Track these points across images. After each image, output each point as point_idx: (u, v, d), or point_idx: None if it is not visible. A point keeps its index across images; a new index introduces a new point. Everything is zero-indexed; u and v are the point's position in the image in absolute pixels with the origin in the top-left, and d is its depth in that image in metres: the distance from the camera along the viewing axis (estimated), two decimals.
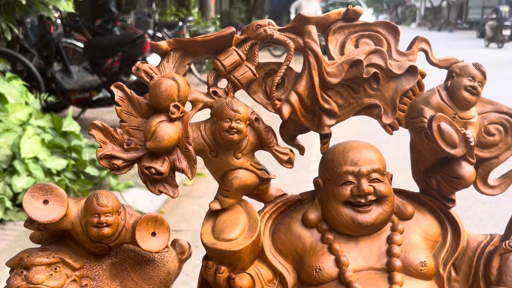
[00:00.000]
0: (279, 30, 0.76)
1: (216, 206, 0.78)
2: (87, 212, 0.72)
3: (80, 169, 4.00)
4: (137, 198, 3.48)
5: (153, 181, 0.75)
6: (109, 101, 6.19)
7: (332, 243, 0.78)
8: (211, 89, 0.76)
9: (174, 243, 0.90)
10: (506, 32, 13.78)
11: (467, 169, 0.77)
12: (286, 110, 0.74)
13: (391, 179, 0.82)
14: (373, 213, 0.77)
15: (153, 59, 5.70)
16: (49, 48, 6.13)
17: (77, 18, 8.84)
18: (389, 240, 0.78)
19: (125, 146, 0.74)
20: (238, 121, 0.72)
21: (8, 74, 4.46)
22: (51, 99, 5.10)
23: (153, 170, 0.73)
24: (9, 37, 4.75)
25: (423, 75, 0.80)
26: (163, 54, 0.75)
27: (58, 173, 3.91)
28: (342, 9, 0.77)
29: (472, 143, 0.75)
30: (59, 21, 6.18)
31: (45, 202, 0.71)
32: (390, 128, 0.81)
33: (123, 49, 5.93)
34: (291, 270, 0.80)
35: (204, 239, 0.75)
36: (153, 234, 0.76)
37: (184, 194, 3.65)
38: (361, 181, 0.76)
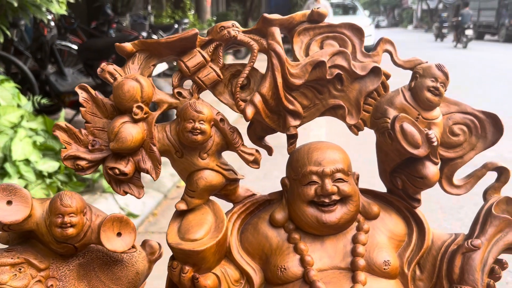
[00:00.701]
0: (243, 32, 0.77)
1: (182, 206, 0.78)
2: (51, 212, 0.73)
3: (72, 172, 3.99)
4: (130, 201, 3.48)
5: (118, 181, 0.76)
6: None
7: (297, 243, 0.79)
8: (175, 90, 0.77)
9: (144, 243, 0.91)
10: (469, 32, 15.69)
11: (431, 169, 0.78)
12: (249, 111, 0.75)
13: (357, 179, 0.83)
14: (337, 212, 0.77)
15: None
16: (43, 50, 6.12)
17: (72, 21, 8.83)
18: (354, 240, 0.79)
19: (89, 147, 0.74)
20: (202, 121, 0.72)
21: (1, 76, 4.46)
22: (44, 101, 5.09)
23: (117, 171, 0.73)
24: (1, 39, 4.74)
25: (387, 76, 0.81)
26: (128, 56, 0.76)
27: (50, 175, 3.90)
28: (307, 11, 0.78)
29: (435, 143, 0.76)
30: (53, 23, 6.18)
31: (9, 203, 0.71)
32: (355, 129, 0.82)
33: (117, 51, 5.95)
34: (258, 270, 0.81)
35: (169, 239, 0.76)
36: (119, 234, 0.76)
37: (177, 196, 3.64)
38: (325, 181, 0.76)
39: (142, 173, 0.79)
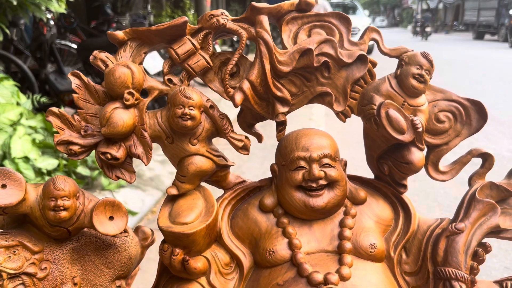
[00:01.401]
0: (232, 20, 0.78)
1: (173, 191, 0.80)
2: (45, 196, 0.74)
3: (71, 169, 4.01)
4: (129, 198, 3.49)
5: (110, 166, 0.77)
6: None
7: (286, 227, 0.81)
8: (166, 77, 0.79)
9: (137, 229, 0.92)
10: (428, 29, 22.39)
11: (416, 155, 0.80)
12: (238, 97, 0.76)
13: (345, 165, 0.85)
14: (324, 197, 0.79)
15: (152, 57, 5.70)
16: (42, 49, 6.13)
17: (72, 20, 8.84)
18: (341, 224, 0.81)
19: (82, 133, 0.76)
20: (191, 107, 0.74)
21: (0, 75, 4.47)
22: (43, 99, 5.10)
23: (108, 156, 0.75)
24: (0, 38, 4.75)
25: (374, 64, 0.82)
26: (120, 44, 0.78)
27: (49, 172, 3.91)
28: (294, 0, 0.79)
29: (420, 129, 0.77)
30: (52, 23, 6.19)
31: (3, 186, 0.73)
32: (342, 116, 0.83)
33: (116, 50, 5.94)
34: (247, 253, 0.83)
35: (160, 223, 0.77)
36: (111, 218, 0.78)
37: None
38: (312, 166, 0.78)
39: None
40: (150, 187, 3.53)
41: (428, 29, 22.22)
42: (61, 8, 4.72)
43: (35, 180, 3.70)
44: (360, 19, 14.81)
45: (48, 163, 3.81)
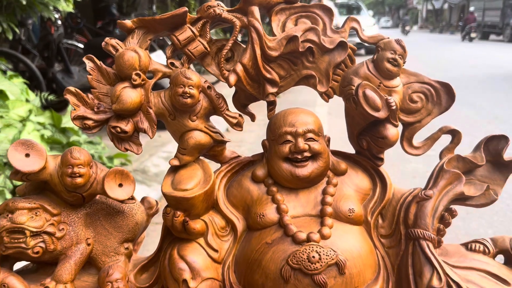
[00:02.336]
0: (227, 11, 0.89)
1: (175, 162, 0.91)
2: (63, 164, 0.85)
3: None
4: (134, 194, 3.60)
5: (119, 139, 0.88)
6: None
7: (275, 194, 0.91)
8: (169, 61, 0.89)
9: (143, 200, 1.03)
10: (407, 28, 29.92)
11: (391, 131, 0.89)
12: (232, 78, 0.87)
13: (328, 141, 0.95)
14: (309, 167, 0.89)
15: (158, 56, 5.80)
16: (50, 48, 6.24)
17: (78, 20, 8.95)
18: (324, 192, 0.91)
19: (95, 109, 0.87)
20: (191, 87, 0.85)
21: (9, 72, 4.58)
22: (51, 97, 5.21)
23: (118, 129, 0.86)
24: (10, 37, 4.86)
25: (353, 50, 0.92)
26: (128, 32, 0.89)
27: None
28: None
29: (394, 107, 0.87)
30: (59, 22, 6.31)
31: (27, 155, 0.84)
32: (326, 96, 0.94)
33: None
34: (241, 218, 0.93)
35: (164, 189, 0.88)
36: (120, 185, 0.89)
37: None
38: (297, 139, 0.88)
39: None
40: (155, 182, 3.63)
41: (407, 28, 30.63)
42: (69, 8, 4.81)
43: None
44: (365, 19, 14.89)
45: None
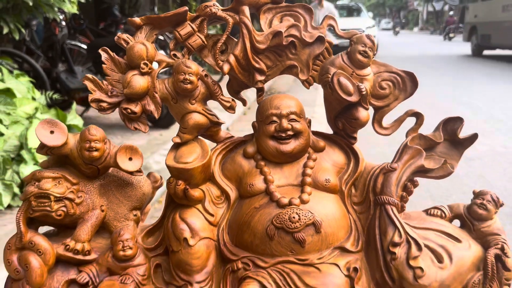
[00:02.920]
0: (222, 10, 1.04)
1: (177, 140, 1.06)
2: (82, 140, 1.00)
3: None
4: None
5: (129, 119, 1.03)
6: None
7: (262, 168, 1.06)
8: (172, 53, 1.04)
9: (149, 175, 1.18)
10: (397, 29, 33.75)
11: (362, 113, 1.04)
12: (226, 67, 1.02)
13: (309, 123, 1.09)
14: (291, 144, 1.04)
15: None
16: (54, 49, 6.36)
17: (81, 21, 9.07)
18: (304, 165, 1.06)
19: (109, 94, 1.02)
20: (190, 74, 1.00)
21: (16, 72, 4.71)
22: (56, 96, 5.35)
23: (129, 110, 1.01)
24: (16, 37, 4.99)
25: (330, 44, 1.07)
26: (137, 28, 1.04)
27: None
28: None
29: (364, 93, 1.02)
30: (64, 23, 6.44)
31: (52, 132, 0.99)
32: (307, 84, 1.09)
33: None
34: (233, 189, 1.08)
35: (167, 162, 1.03)
36: (130, 159, 1.04)
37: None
38: (282, 120, 1.03)
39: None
40: None
41: (397, 29, 34.42)
42: (74, 9, 4.96)
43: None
44: (365, 21, 15.04)
45: None
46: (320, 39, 1.05)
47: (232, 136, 1.14)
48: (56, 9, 4.98)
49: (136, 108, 1.01)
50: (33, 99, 4.51)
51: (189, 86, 1.00)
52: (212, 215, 1.04)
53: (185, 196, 1.01)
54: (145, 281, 1.02)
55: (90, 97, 1.01)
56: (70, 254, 1.01)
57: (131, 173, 1.04)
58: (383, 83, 1.08)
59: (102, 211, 1.06)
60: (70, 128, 4.38)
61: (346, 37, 1.08)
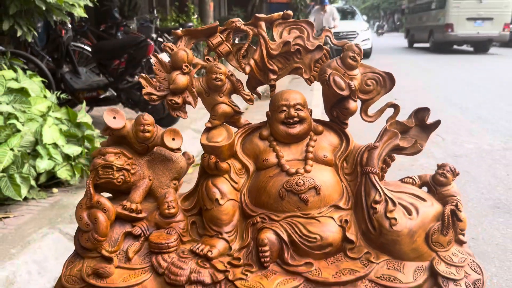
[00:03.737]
0: (244, 24, 1.35)
1: (209, 124, 1.36)
2: (137, 123, 1.30)
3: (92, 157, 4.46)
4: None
5: (173, 108, 1.34)
6: (115, 100, 6.69)
7: (275, 146, 1.37)
8: (205, 57, 1.35)
9: (184, 153, 1.48)
10: (380, 31, 36.81)
11: (352, 104, 1.35)
12: (247, 68, 1.33)
13: (310, 112, 1.40)
14: (297, 128, 1.35)
15: (165, 57, 6.21)
16: (59, 50, 6.59)
17: (82, 23, 9.31)
18: (307, 145, 1.37)
19: (157, 89, 1.32)
20: (220, 74, 1.30)
21: (29, 72, 4.97)
22: (63, 96, 5.61)
23: (173, 101, 1.31)
24: (29, 39, 5.24)
25: (327, 51, 1.38)
26: (178, 37, 1.34)
27: (74, 158, 4.42)
28: (280, 13, 1.36)
29: (353, 88, 1.32)
30: (70, 26, 6.69)
31: (114, 117, 1.29)
32: (309, 81, 1.40)
33: (129, 51, 6.39)
34: (252, 163, 1.38)
35: (202, 141, 1.33)
36: (173, 139, 1.34)
37: (185, 180, 4.26)
38: (290, 109, 1.34)
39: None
40: None
41: (380, 31, 38.31)
42: (83, 13, 5.22)
43: (62, 164, 4.22)
44: (359, 24, 15.42)
45: (73, 149, 4.30)
46: (319, 47, 1.36)
47: (250, 123, 1.45)
48: (64, 12, 5.22)
49: (178, 99, 1.32)
50: (45, 97, 4.74)
51: (219, 83, 1.31)
52: (236, 182, 1.35)
53: (216, 167, 1.31)
54: (185, 233, 1.33)
55: (144, 91, 1.31)
56: (126, 212, 1.31)
57: (173, 150, 1.35)
58: (368, 81, 1.39)
59: (150, 180, 1.37)
60: (80, 125, 4.64)
61: (339, 45, 1.39)
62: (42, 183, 4.37)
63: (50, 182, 4.46)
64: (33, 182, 4.03)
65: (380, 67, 1.39)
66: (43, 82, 5.19)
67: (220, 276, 1.19)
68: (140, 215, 1.33)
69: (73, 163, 4.33)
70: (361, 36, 13.76)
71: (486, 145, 6.38)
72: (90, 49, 8.13)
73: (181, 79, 1.30)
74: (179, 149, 1.36)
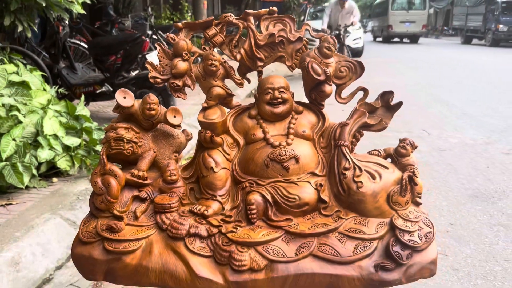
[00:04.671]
0: (235, 19, 1.58)
1: (205, 104, 1.59)
2: (143, 103, 1.53)
3: (91, 147, 4.68)
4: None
5: (175, 90, 1.56)
6: (111, 95, 6.88)
7: (261, 124, 1.60)
8: (202, 47, 1.58)
9: (183, 131, 1.71)
10: (364, 29, 35.40)
11: (327, 88, 1.58)
12: (238, 56, 1.56)
13: (293, 95, 1.63)
14: (281, 108, 1.58)
15: (151, 56, 6.41)
16: (56, 46, 6.75)
17: (78, 20, 9.45)
18: (289, 122, 1.60)
19: (161, 73, 1.55)
20: (215, 61, 1.53)
21: (29, 66, 5.14)
22: (61, 90, 5.79)
23: (175, 84, 1.54)
24: (29, 35, 5.41)
25: (307, 42, 1.61)
26: (179, 30, 1.57)
27: (73, 149, 4.61)
28: (267, 9, 1.59)
29: (328, 74, 1.55)
30: (67, 22, 6.85)
31: (124, 97, 1.51)
32: (290, 68, 1.63)
33: (125, 47, 6.57)
34: (242, 138, 1.61)
35: (199, 118, 1.56)
36: (174, 116, 1.56)
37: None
38: (274, 91, 1.57)
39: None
40: None
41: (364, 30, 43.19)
42: (81, 10, 5.40)
43: (62, 154, 4.41)
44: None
45: (72, 141, 4.49)
46: (300, 39, 1.59)
47: (240, 105, 1.68)
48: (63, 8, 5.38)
49: (179, 82, 1.55)
50: (44, 91, 4.91)
51: (214, 68, 1.54)
52: (228, 154, 1.58)
53: (211, 141, 1.54)
54: (184, 197, 1.55)
55: (150, 75, 1.54)
56: (134, 179, 1.53)
57: (174, 126, 1.57)
58: (341, 68, 1.62)
59: (154, 152, 1.59)
60: (79, 118, 4.82)
61: (317, 37, 1.62)
62: (42, 173, 4.58)
63: (50, 172, 4.66)
64: (34, 171, 4.21)
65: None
66: (44, 75, 5.34)
67: (215, 230, 1.42)
68: (146, 182, 1.55)
69: (72, 154, 4.51)
70: (352, 35, 13.99)
71: (470, 139, 6.65)
72: (85, 46, 8.28)
73: (182, 65, 1.53)
74: (179, 125, 1.59)
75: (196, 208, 1.48)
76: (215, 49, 1.58)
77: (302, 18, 18.34)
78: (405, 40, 28.91)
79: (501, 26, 22.93)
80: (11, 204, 3.92)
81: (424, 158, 5.61)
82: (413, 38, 27.73)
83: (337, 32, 10.67)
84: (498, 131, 6.76)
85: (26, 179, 3.95)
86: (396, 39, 29.35)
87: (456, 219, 4.03)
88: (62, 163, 4.38)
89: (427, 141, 6.40)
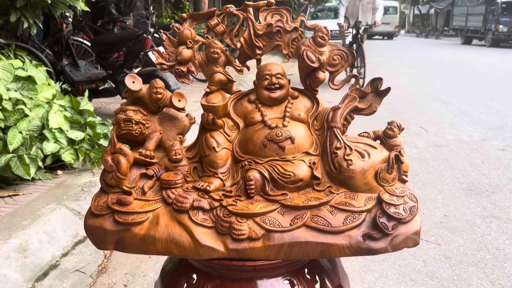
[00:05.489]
0: (236, 10, 1.70)
1: (207, 89, 1.71)
2: (150, 87, 1.65)
3: (94, 141, 4.82)
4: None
5: (179, 76, 1.69)
6: (114, 91, 7.01)
7: (260, 108, 1.72)
8: (205, 35, 1.70)
9: (187, 114, 1.83)
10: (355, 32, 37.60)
11: (321, 74, 1.70)
12: (238, 45, 1.68)
13: (289, 81, 1.75)
14: (278, 92, 1.71)
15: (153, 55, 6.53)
16: (60, 44, 6.89)
17: (80, 18, 9.58)
18: (286, 106, 1.72)
19: (167, 60, 1.67)
20: (217, 48, 1.65)
21: (34, 62, 5.27)
22: (64, 86, 5.92)
23: (179, 70, 1.66)
24: (34, 31, 5.54)
25: (302, 32, 1.74)
26: (184, 19, 1.69)
27: (78, 142, 4.74)
28: (265, 1, 1.71)
29: (322, 62, 1.68)
30: (70, 20, 6.98)
31: (133, 82, 1.64)
32: (287, 56, 1.75)
33: (127, 44, 6.69)
34: (241, 121, 1.74)
35: (202, 102, 1.68)
36: (179, 100, 1.69)
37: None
38: (272, 77, 1.69)
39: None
40: None
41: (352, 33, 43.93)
42: (86, 7, 5.53)
43: (67, 147, 4.55)
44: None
45: (77, 134, 4.63)
46: (295, 29, 1.72)
47: (240, 90, 1.80)
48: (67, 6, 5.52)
49: (184, 68, 1.67)
50: (49, 85, 5.05)
51: (216, 55, 1.66)
52: (229, 135, 1.70)
53: (213, 123, 1.66)
54: (188, 175, 1.68)
55: (156, 61, 1.66)
56: (142, 158, 1.66)
57: (179, 110, 1.70)
58: (334, 56, 1.75)
59: (160, 133, 1.71)
60: (83, 113, 4.95)
61: (312, 27, 1.75)
62: (47, 165, 4.72)
63: (54, 164, 4.80)
64: (40, 163, 4.34)
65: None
66: (49, 71, 5.47)
67: (216, 204, 1.55)
68: (153, 160, 1.67)
69: (76, 147, 4.65)
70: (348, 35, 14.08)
71: (466, 136, 6.77)
72: (88, 43, 8.40)
73: (186, 52, 1.65)
74: (183, 109, 1.71)
75: (199, 184, 1.60)
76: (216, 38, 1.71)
77: None
78: (384, 37, 38.95)
79: (501, 26, 23.07)
80: (17, 195, 4.05)
81: (421, 154, 5.74)
82: (389, 36, 38.19)
83: (355, 31, 10.10)
84: (494, 128, 6.88)
85: (32, 170, 4.08)
86: (377, 37, 39.25)
87: (450, 211, 4.15)
88: (67, 156, 4.51)
89: (424, 137, 6.52)
